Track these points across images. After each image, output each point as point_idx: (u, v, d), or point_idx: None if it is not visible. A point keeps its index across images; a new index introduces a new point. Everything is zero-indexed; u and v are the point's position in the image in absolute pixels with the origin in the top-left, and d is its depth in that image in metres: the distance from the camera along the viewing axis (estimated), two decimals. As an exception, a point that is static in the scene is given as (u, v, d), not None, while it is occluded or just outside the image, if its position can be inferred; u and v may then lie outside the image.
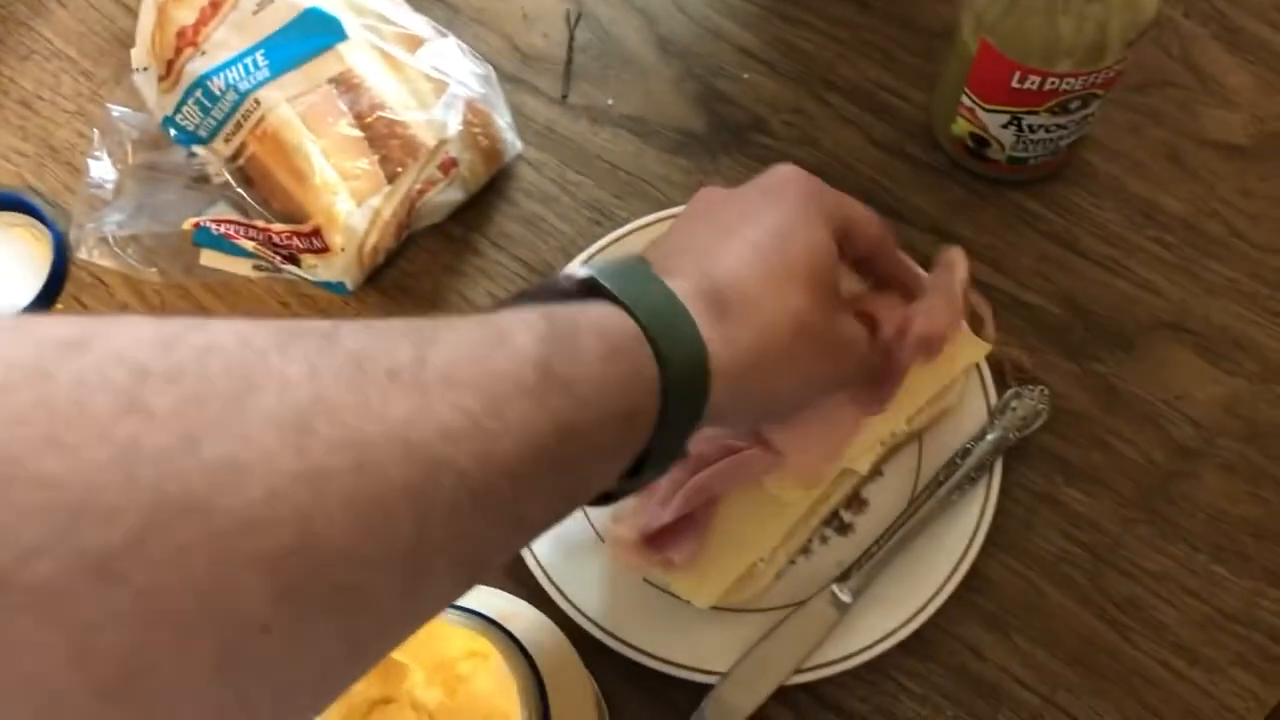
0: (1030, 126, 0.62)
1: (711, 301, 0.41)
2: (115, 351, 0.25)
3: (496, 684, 0.47)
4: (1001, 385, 0.61)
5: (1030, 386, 0.61)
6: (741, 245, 0.44)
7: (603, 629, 0.57)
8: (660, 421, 0.38)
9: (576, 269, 0.40)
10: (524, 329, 0.33)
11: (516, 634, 0.43)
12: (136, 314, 0.27)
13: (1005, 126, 0.62)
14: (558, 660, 0.45)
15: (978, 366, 0.60)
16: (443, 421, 0.29)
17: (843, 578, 0.57)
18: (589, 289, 0.40)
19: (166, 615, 0.24)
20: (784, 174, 0.49)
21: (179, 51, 0.64)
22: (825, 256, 0.46)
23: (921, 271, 0.56)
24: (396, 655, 0.45)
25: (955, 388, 0.59)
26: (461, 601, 0.44)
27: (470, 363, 0.31)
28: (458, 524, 0.29)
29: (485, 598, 0.47)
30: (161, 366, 0.26)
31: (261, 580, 0.25)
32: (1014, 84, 0.59)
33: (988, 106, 0.62)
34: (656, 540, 0.56)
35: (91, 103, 0.74)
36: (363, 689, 0.45)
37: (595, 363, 0.35)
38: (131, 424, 0.24)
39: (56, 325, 0.26)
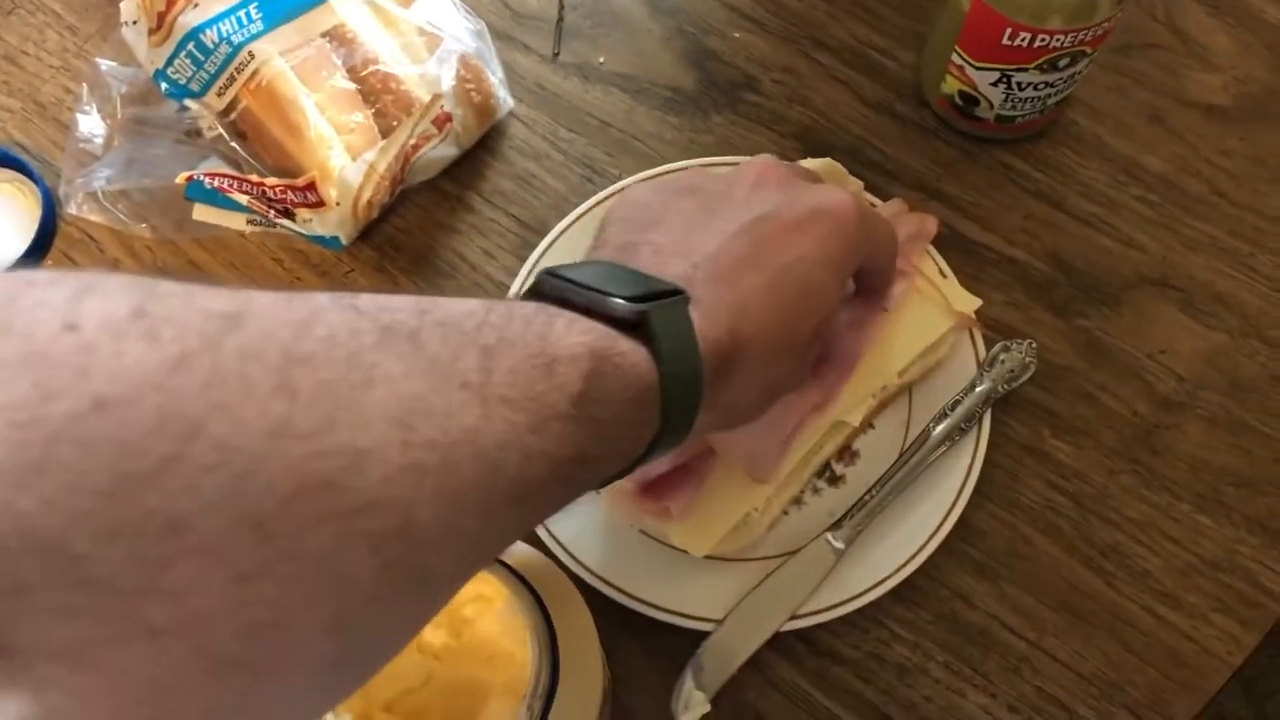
0: (1019, 84, 0.63)
1: (724, 361, 0.43)
2: (264, 331, 0.28)
3: (501, 627, 0.48)
4: (990, 339, 0.62)
5: (1019, 340, 0.62)
6: (768, 288, 0.45)
7: (600, 577, 0.58)
8: (648, 448, 0.41)
9: (626, 305, 0.40)
10: (570, 365, 0.36)
11: (524, 575, 0.44)
12: (266, 290, 0.30)
13: (995, 84, 0.63)
14: (563, 601, 0.46)
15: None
16: (499, 432, 0.32)
17: (835, 527, 0.58)
18: (637, 323, 0.40)
19: (302, 577, 0.27)
20: (831, 202, 0.47)
21: (171, 4, 0.63)
22: (833, 309, 0.48)
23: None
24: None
25: (946, 341, 0.60)
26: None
27: (524, 385, 0.34)
28: (500, 521, 0.33)
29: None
30: (301, 350, 0.29)
31: (372, 557, 0.28)
32: (1004, 41, 0.60)
33: (978, 64, 0.63)
34: (653, 489, 0.57)
35: (77, 58, 0.74)
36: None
37: (621, 406, 0.37)
38: (283, 402, 0.27)
39: (214, 298, 0.28)
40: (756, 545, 0.59)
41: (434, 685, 0.47)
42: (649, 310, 0.40)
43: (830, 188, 0.50)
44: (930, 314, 0.60)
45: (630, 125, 0.71)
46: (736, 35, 0.73)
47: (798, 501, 0.60)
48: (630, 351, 0.38)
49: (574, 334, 0.37)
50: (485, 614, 0.48)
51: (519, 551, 0.46)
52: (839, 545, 0.58)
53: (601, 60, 0.73)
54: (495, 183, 0.70)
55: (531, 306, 0.37)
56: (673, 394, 0.40)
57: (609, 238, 0.48)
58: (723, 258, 0.45)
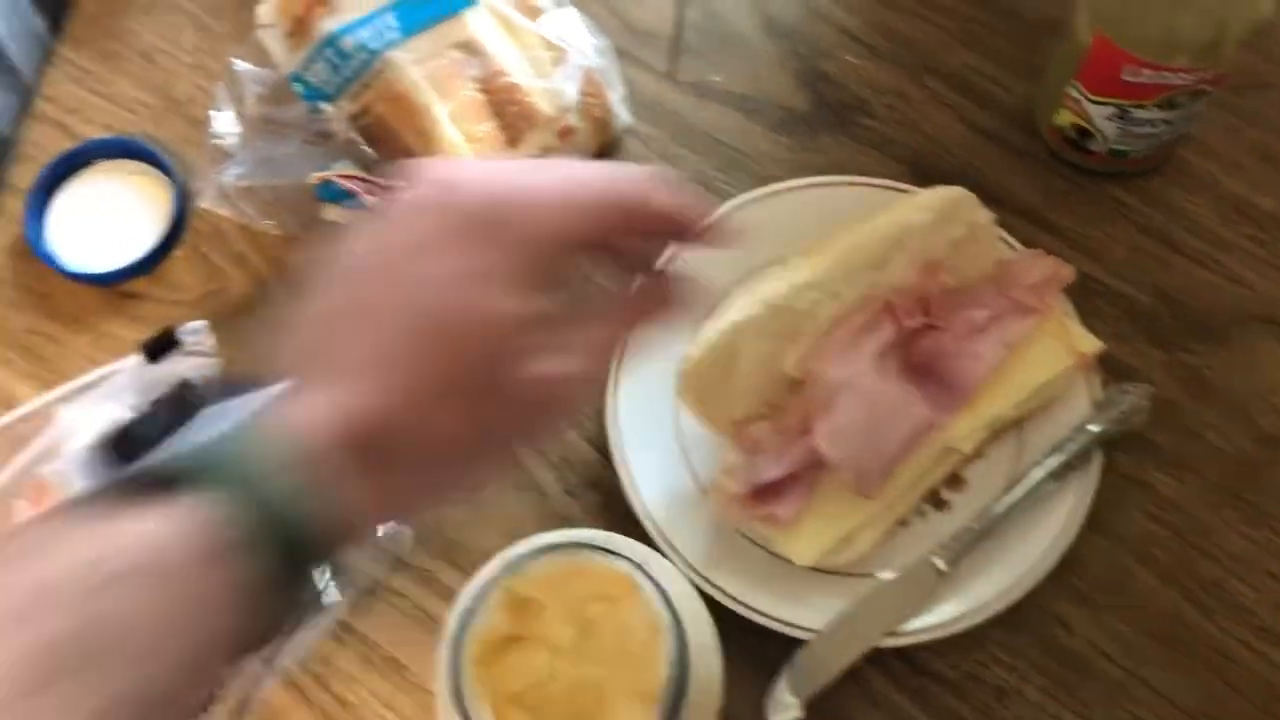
0: (1136, 120, 0.63)
1: (358, 449, 0.35)
2: None
3: (624, 627, 0.49)
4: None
5: (1135, 385, 0.62)
6: (392, 349, 0.37)
7: (703, 577, 0.59)
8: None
9: (163, 461, 0.34)
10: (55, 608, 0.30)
11: (658, 579, 0.45)
12: None
13: (1111, 119, 0.64)
14: (690, 605, 0.47)
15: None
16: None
17: (940, 549, 0.59)
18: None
19: None
20: (422, 208, 0.38)
21: (310, 8, 0.66)
22: (497, 335, 0.37)
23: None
24: (533, 592, 0.47)
25: (1064, 378, 0.61)
26: (605, 544, 0.47)
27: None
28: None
29: (620, 543, 0.49)
30: None
31: None
32: (1125, 77, 0.61)
33: (1095, 98, 0.64)
34: (763, 495, 0.59)
35: (210, 56, 0.76)
36: (496, 626, 0.47)
37: (156, 596, 0.32)
38: None
39: None
40: (859, 562, 0.60)
41: (559, 681, 0.48)
42: (188, 467, 0.33)
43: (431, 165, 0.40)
44: (1051, 351, 0.61)
45: (743, 143, 0.72)
46: (849, 59, 0.74)
47: (903, 523, 0.61)
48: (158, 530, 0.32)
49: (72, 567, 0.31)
50: (609, 614, 0.49)
51: (643, 552, 0.48)
52: (943, 567, 0.59)
53: (717, 79, 0.74)
54: (610, 195, 0.71)
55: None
56: (273, 533, 0.33)
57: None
58: (314, 328, 0.38)
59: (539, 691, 0.48)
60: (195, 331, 0.59)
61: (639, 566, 0.46)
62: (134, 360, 0.58)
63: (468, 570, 0.63)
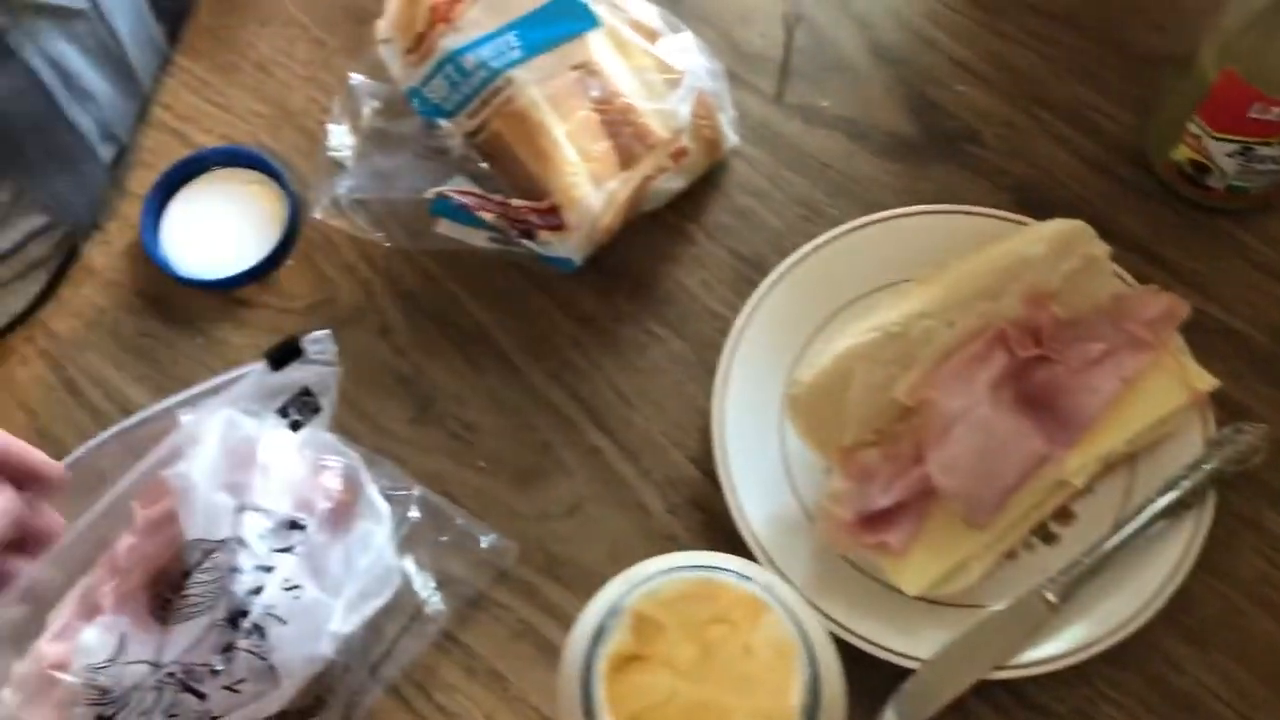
0: (1260, 157, 0.63)
1: None
2: None
3: (747, 651, 0.49)
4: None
5: (1253, 425, 0.61)
6: None
7: (810, 602, 0.59)
8: None
9: None
10: None
11: (786, 602, 0.46)
12: None
13: (1232, 155, 0.64)
14: (816, 630, 0.47)
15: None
16: None
17: (1049, 583, 0.59)
18: None
19: None
20: None
21: (431, 26, 0.67)
22: None
23: None
24: (654, 612, 0.47)
25: (1177, 415, 0.61)
26: (735, 567, 0.47)
27: None
28: None
29: (745, 566, 0.49)
30: None
31: None
32: (1252, 114, 0.60)
33: (1217, 134, 0.63)
34: (874, 523, 0.59)
35: (323, 69, 0.78)
36: (623, 645, 0.47)
37: None
38: None
39: None
40: (966, 593, 0.60)
41: (678, 702, 0.48)
42: None
43: None
44: (1166, 387, 0.61)
45: (850, 169, 0.72)
46: (959, 88, 0.74)
47: (1011, 555, 0.61)
48: None
49: None
50: (730, 637, 0.49)
51: (771, 577, 0.48)
52: (1054, 600, 0.58)
53: (825, 104, 0.74)
54: (716, 216, 0.72)
55: None
56: None
57: None
58: None
59: (658, 712, 0.48)
60: (318, 341, 0.59)
61: (768, 590, 0.46)
62: (257, 367, 0.58)
63: (569, 585, 0.64)
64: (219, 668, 0.54)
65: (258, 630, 0.55)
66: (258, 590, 0.55)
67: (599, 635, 0.45)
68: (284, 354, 0.58)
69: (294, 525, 0.57)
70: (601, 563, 0.64)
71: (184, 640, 0.55)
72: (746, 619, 0.49)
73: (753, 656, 0.49)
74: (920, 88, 0.75)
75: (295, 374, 0.59)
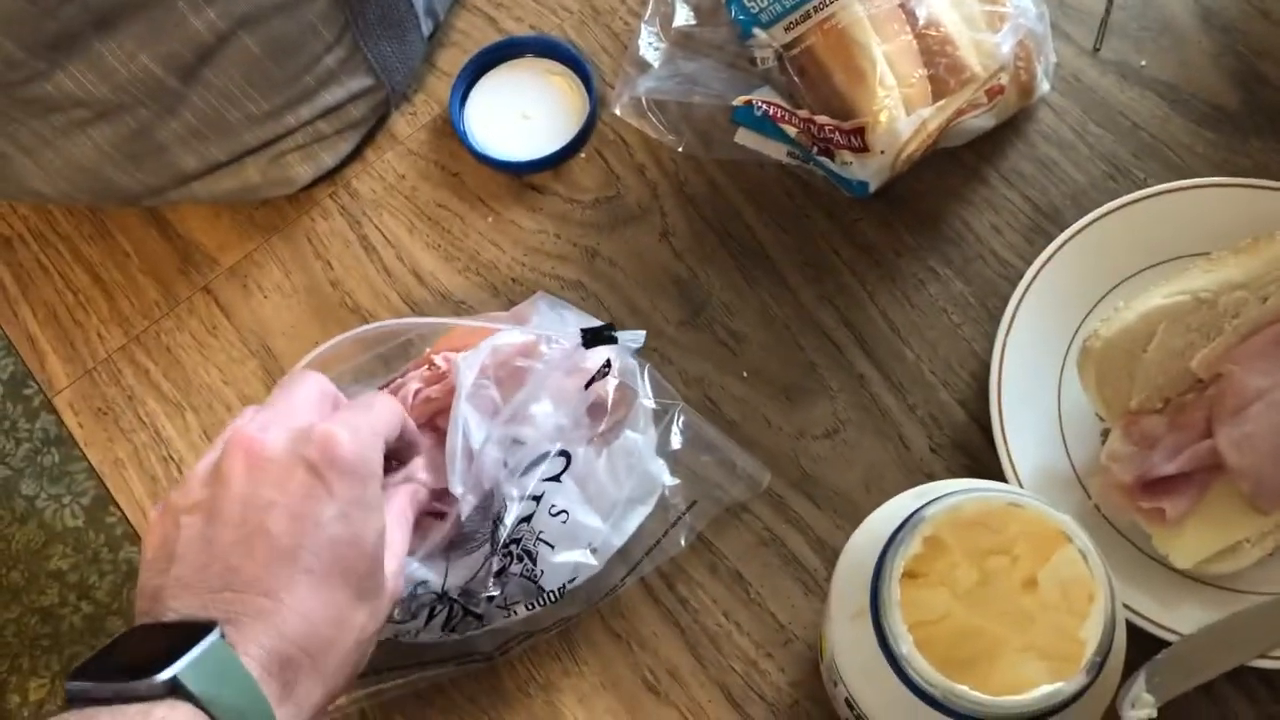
0: None
1: (282, 669, 0.45)
2: None
3: (1022, 584, 0.49)
4: None
5: None
6: (304, 582, 0.47)
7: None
8: None
9: (152, 684, 0.42)
10: None
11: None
12: None
13: None
14: (1112, 579, 0.46)
15: None
16: None
17: (1333, 579, 0.56)
18: (175, 689, 0.42)
19: None
20: (240, 440, 0.50)
21: (764, -66, 0.67)
22: (378, 548, 0.50)
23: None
24: (944, 532, 0.47)
25: None
26: (1036, 501, 0.46)
27: None
28: None
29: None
30: None
31: None
32: None
33: None
34: (1153, 488, 0.57)
35: (635, -28, 0.79)
36: (913, 557, 0.47)
37: None
38: None
39: None
40: (1237, 576, 0.58)
41: (950, 623, 0.49)
42: (178, 675, 0.42)
43: (274, 417, 0.51)
44: None
45: (1163, 133, 0.70)
46: (1293, 63, 0.71)
47: (1290, 544, 0.59)
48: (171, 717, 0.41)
49: None
50: (1010, 571, 0.49)
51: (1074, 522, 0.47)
52: (1337, 597, 0.56)
53: (1143, 63, 0.72)
54: (1015, 162, 0.70)
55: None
56: None
57: (142, 585, 0.48)
58: (229, 560, 0.46)
59: (931, 628, 0.48)
60: (634, 339, 0.61)
61: (1073, 528, 0.45)
62: (572, 338, 0.60)
63: (820, 504, 0.64)
64: (493, 592, 0.57)
65: (528, 555, 0.58)
66: (528, 518, 0.57)
67: (897, 538, 0.45)
68: (598, 337, 0.60)
69: (564, 455, 0.59)
70: (854, 488, 0.65)
71: (464, 573, 0.58)
72: (1030, 553, 0.48)
73: (1034, 592, 0.48)
74: (1252, 60, 0.71)
75: (600, 356, 0.61)
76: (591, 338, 0.61)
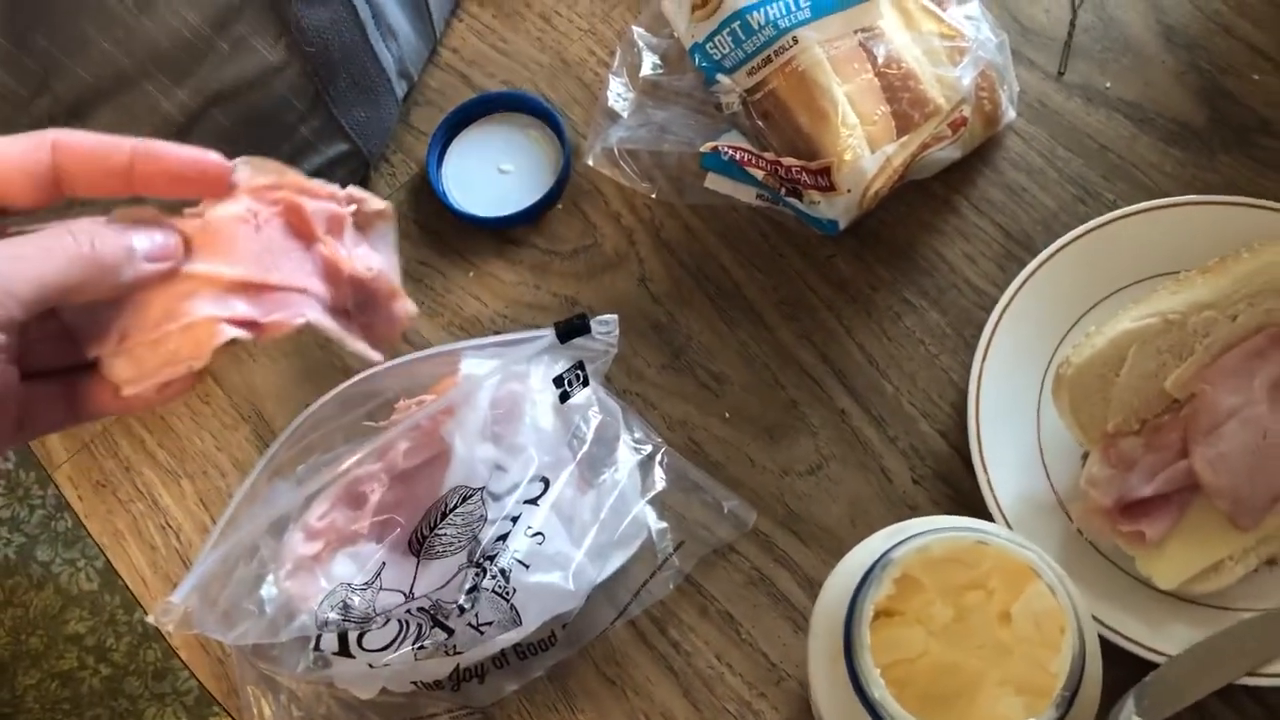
0: None
1: None
2: None
3: (998, 619, 0.49)
4: None
5: None
6: None
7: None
8: None
9: None
10: None
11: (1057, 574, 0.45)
12: None
13: None
14: (1083, 610, 0.47)
15: None
16: None
17: (1317, 593, 0.57)
18: None
19: None
20: None
21: (721, -16, 0.68)
22: None
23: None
24: (916, 570, 0.48)
25: None
26: (1005, 535, 0.47)
27: None
28: None
29: (1020, 541, 0.49)
30: None
31: None
32: None
33: None
34: (1131, 511, 0.58)
35: (603, 22, 0.80)
36: (884, 598, 0.47)
37: None
38: None
39: None
40: (1222, 594, 0.58)
41: (927, 660, 0.49)
42: None
43: None
44: None
45: (1130, 153, 0.70)
46: (1256, 78, 0.71)
47: (1272, 562, 0.59)
48: None
49: None
50: (985, 605, 0.49)
51: (1043, 555, 0.47)
52: (1322, 613, 0.56)
53: (1108, 85, 0.73)
54: (985, 190, 0.71)
55: None
56: None
57: None
58: None
59: (908, 667, 0.49)
60: (606, 324, 0.62)
61: (1041, 560, 0.46)
62: (546, 334, 0.61)
63: (806, 540, 0.65)
64: (465, 607, 0.57)
65: (502, 575, 0.58)
66: (504, 537, 0.58)
67: (866, 581, 0.46)
68: (572, 329, 0.61)
69: (543, 480, 0.60)
70: (840, 523, 0.65)
71: (435, 577, 0.59)
72: (1005, 587, 0.49)
73: (1009, 626, 0.49)
74: (1214, 76, 0.72)
75: (577, 350, 0.62)
76: (565, 330, 0.61)
